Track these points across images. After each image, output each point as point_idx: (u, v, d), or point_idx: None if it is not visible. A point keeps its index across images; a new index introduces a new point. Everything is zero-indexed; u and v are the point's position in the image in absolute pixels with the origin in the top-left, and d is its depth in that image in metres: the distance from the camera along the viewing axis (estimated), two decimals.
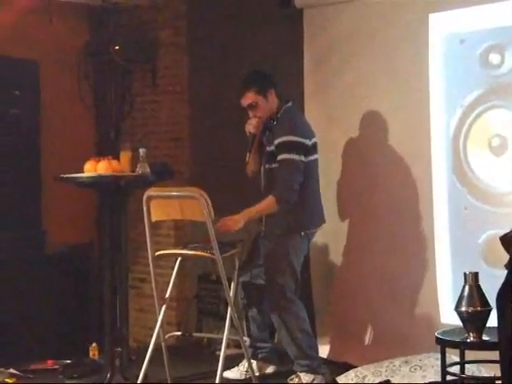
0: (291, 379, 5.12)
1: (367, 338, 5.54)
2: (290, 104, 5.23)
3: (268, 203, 5.02)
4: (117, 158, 5.18)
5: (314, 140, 5.17)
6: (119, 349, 5.21)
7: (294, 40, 5.97)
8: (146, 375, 4.91)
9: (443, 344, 4.09)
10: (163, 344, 5.02)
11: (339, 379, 5.00)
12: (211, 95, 6.56)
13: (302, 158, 5.04)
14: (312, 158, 5.15)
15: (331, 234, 5.66)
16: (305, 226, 5.16)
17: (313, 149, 5.16)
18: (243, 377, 5.33)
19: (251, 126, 5.21)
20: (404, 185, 5.41)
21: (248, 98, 5.19)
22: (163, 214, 4.94)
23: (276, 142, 5.08)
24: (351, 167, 5.72)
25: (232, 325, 4.92)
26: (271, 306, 5.17)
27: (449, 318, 4.88)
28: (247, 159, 5.20)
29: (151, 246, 4.94)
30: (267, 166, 5.20)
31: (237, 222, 4.92)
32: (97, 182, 5.12)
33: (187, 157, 6.73)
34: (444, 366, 4.10)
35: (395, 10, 5.39)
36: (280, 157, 5.05)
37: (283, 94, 5.30)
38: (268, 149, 5.17)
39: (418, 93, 5.27)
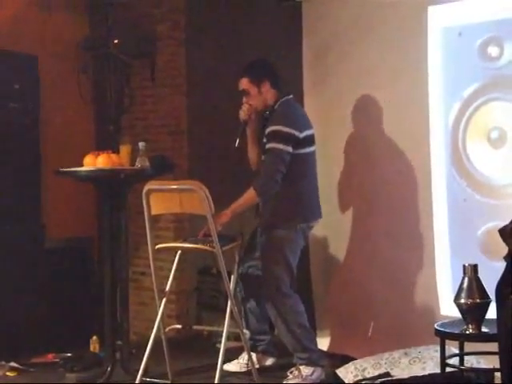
0: (291, 372, 5.13)
1: (367, 331, 5.54)
2: (288, 97, 5.23)
3: (248, 195, 5.03)
4: (116, 151, 5.19)
5: (308, 132, 5.15)
6: (120, 342, 5.22)
7: (292, 33, 5.97)
8: (146, 368, 4.92)
9: (442, 336, 4.10)
10: (163, 337, 5.04)
11: (339, 372, 5.01)
12: (210, 88, 6.56)
13: (289, 148, 5.02)
14: (306, 150, 5.13)
15: (331, 227, 5.67)
16: (299, 220, 5.15)
17: (307, 141, 5.13)
18: (243, 369, 5.35)
19: (242, 113, 5.24)
20: (403, 177, 5.42)
21: (242, 84, 5.22)
22: (163, 208, 4.95)
23: (266, 131, 5.09)
24: (351, 160, 5.73)
25: (232, 318, 4.93)
26: (267, 300, 5.18)
27: (448, 310, 4.89)
28: (236, 145, 5.19)
29: (151, 239, 4.95)
30: (262, 157, 5.21)
31: (222, 217, 4.93)
32: (96, 176, 5.13)
33: (186, 150, 6.74)
34: (443, 357, 4.12)
35: (393, 3, 5.39)
36: (267, 146, 5.06)
37: (283, 87, 5.30)
38: (264, 140, 5.18)
39: (417, 85, 5.27)
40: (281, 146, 5.01)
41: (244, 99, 5.23)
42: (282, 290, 5.09)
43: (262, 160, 5.14)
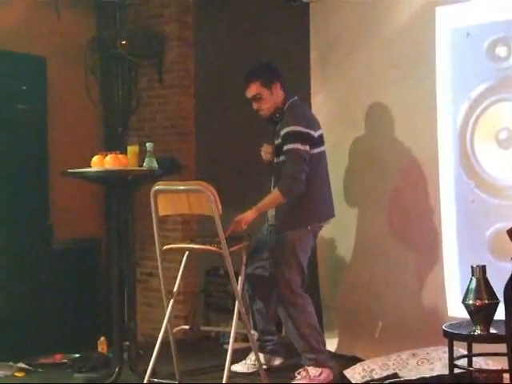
0: (298, 372, 5.13)
1: (375, 332, 5.54)
2: (296, 98, 5.25)
3: (274, 196, 5.04)
4: (124, 152, 5.19)
5: (320, 132, 5.18)
6: (127, 343, 5.23)
7: (300, 34, 5.97)
8: (154, 369, 4.92)
9: (451, 337, 4.09)
10: (171, 338, 5.04)
11: (346, 373, 5.00)
12: (218, 89, 6.56)
13: (308, 148, 5.05)
14: (319, 150, 5.15)
15: (338, 228, 5.65)
16: (312, 220, 5.16)
17: (319, 141, 5.16)
18: (251, 370, 5.35)
19: (264, 154, 5.33)
20: (411, 178, 5.41)
21: (253, 90, 5.21)
22: (171, 209, 4.95)
23: (282, 133, 5.09)
24: (358, 160, 5.72)
25: (239, 318, 4.93)
26: (278, 300, 5.18)
27: (456, 311, 4.89)
28: (272, 185, 5.20)
29: (159, 240, 4.95)
30: (275, 159, 5.21)
31: (248, 215, 4.96)
32: (104, 177, 5.13)
33: (194, 151, 6.74)
34: (451, 358, 4.10)
35: (401, 4, 5.38)
36: (286, 147, 5.06)
37: (290, 88, 5.31)
38: (276, 142, 5.18)
39: (425, 86, 5.27)
40: (300, 146, 5.02)
41: (255, 105, 5.23)
42: (293, 290, 5.09)
43: (281, 161, 5.13)
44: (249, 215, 4.97)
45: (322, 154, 5.20)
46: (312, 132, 5.09)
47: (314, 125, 5.17)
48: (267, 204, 5.07)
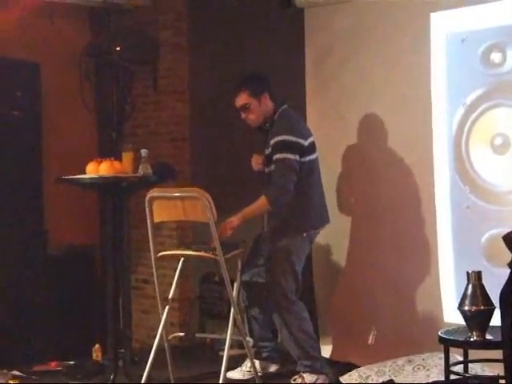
0: (294, 379, 5.12)
1: (370, 338, 5.53)
2: (285, 106, 5.23)
3: (260, 204, 5.02)
4: (119, 159, 5.18)
5: (310, 139, 5.17)
6: (122, 350, 5.22)
7: (294, 40, 5.96)
8: (149, 376, 4.91)
9: (446, 343, 4.09)
10: (166, 345, 5.03)
11: (342, 379, 4.99)
12: (212, 95, 6.56)
13: (297, 157, 5.04)
14: (310, 157, 5.14)
15: (333, 234, 5.65)
16: (307, 227, 5.16)
17: (310, 148, 5.15)
18: (246, 377, 5.33)
19: (258, 165, 5.30)
20: (406, 184, 5.41)
21: (241, 100, 5.21)
22: (166, 215, 4.94)
23: (272, 142, 5.08)
24: (352, 167, 5.72)
25: (235, 325, 4.92)
26: (274, 308, 5.17)
27: (452, 317, 4.87)
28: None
29: (154, 246, 4.94)
30: (267, 169, 5.20)
31: (233, 221, 4.94)
32: (99, 184, 5.13)
33: (189, 157, 6.74)
34: (447, 365, 4.11)
35: (396, 9, 5.38)
36: (275, 156, 5.05)
37: (284, 95, 5.30)
38: (266, 152, 5.17)
39: (420, 92, 5.27)
40: (289, 156, 5.01)
41: (243, 115, 5.23)
42: (287, 297, 5.09)
43: (271, 170, 5.13)
44: (234, 221, 4.95)
45: (314, 161, 5.19)
46: (302, 141, 5.07)
47: (304, 133, 5.16)
48: (253, 211, 5.05)
